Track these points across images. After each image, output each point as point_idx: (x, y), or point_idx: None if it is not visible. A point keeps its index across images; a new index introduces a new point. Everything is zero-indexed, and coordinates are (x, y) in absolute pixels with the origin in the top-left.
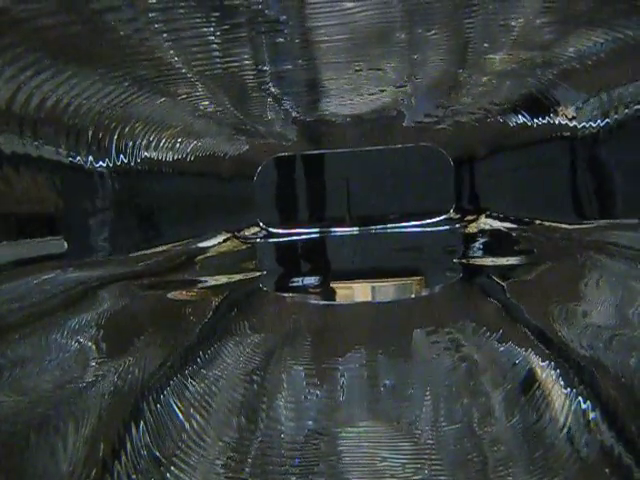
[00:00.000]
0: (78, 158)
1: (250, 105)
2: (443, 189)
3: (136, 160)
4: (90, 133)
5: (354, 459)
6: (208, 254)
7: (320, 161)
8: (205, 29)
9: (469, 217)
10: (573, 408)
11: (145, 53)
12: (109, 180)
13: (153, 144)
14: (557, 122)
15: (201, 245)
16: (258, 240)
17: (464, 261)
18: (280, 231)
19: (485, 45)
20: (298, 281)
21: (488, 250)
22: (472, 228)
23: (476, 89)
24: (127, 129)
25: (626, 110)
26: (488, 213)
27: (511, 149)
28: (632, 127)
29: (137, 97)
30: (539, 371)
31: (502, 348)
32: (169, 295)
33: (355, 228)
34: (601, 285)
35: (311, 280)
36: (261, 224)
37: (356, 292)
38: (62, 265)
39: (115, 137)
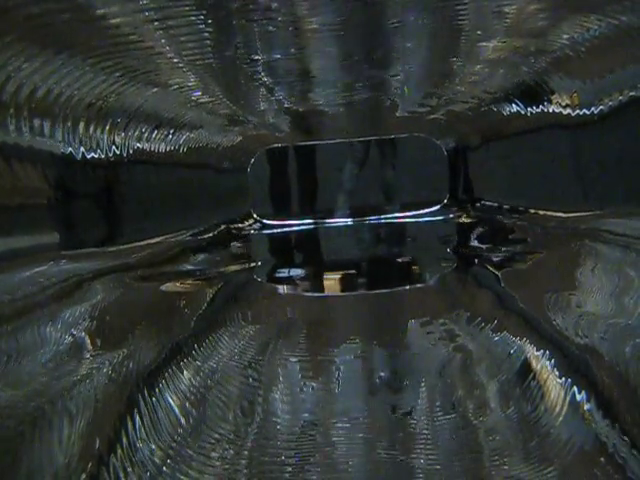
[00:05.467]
0: (70, 149)
1: (242, 95)
2: (437, 179)
3: (128, 151)
4: (82, 124)
5: (350, 450)
6: (202, 245)
7: (313, 152)
8: (196, 18)
9: (463, 206)
10: (568, 397)
11: (136, 42)
12: (101, 171)
13: (145, 135)
14: (551, 110)
15: (194, 237)
16: (252, 231)
17: (458, 250)
18: (274, 222)
19: (478, 33)
20: (292, 272)
21: (482, 239)
22: (466, 217)
23: (469, 78)
24: (119, 120)
25: (620, 97)
26: (482, 202)
27: (505, 138)
28: (626, 114)
29: (129, 87)
30: (534, 360)
31: (497, 338)
32: (163, 287)
33: (349, 219)
34: (596, 273)
35: (305, 271)
36: (255, 215)
37: (350, 283)
38: (55, 257)
39: (107, 128)
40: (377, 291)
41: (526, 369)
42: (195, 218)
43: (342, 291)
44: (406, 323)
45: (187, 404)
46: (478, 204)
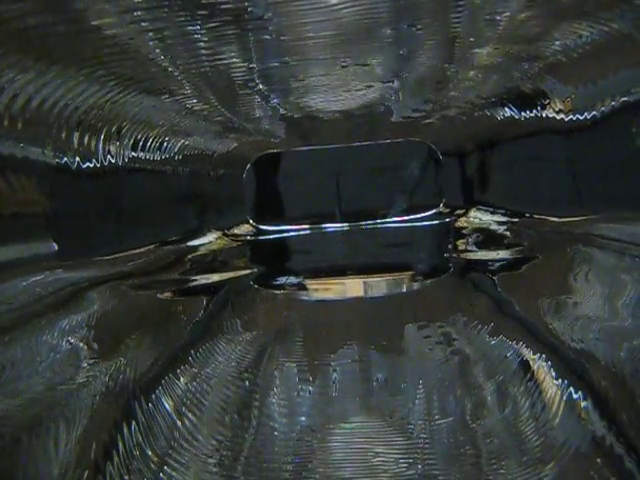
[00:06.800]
0: (65, 159)
1: (237, 103)
2: (432, 184)
3: (124, 160)
4: (76, 133)
5: (347, 455)
6: (198, 253)
7: (309, 158)
8: (191, 27)
9: (458, 211)
10: (564, 399)
11: (130, 52)
12: (97, 180)
13: (140, 144)
14: (544, 115)
15: (191, 244)
16: (248, 238)
17: (454, 255)
18: (270, 228)
19: (471, 39)
20: (289, 278)
21: (478, 244)
22: (462, 222)
23: (463, 83)
24: (114, 129)
25: (613, 102)
26: (477, 207)
27: (500, 143)
28: (619, 119)
29: (123, 96)
30: (530, 363)
31: (493, 341)
32: (159, 295)
33: (345, 224)
34: (590, 277)
35: (302, 276)
36: (251, 221)
37: (347, 288)
38: (51, 266)
39: (102, 137)
40: (374, 296)
41: (522, 372)
42: (191, 225)
43: (338, 296)
44: (403, 327)
45: (184, 409)
46: (473, 209)
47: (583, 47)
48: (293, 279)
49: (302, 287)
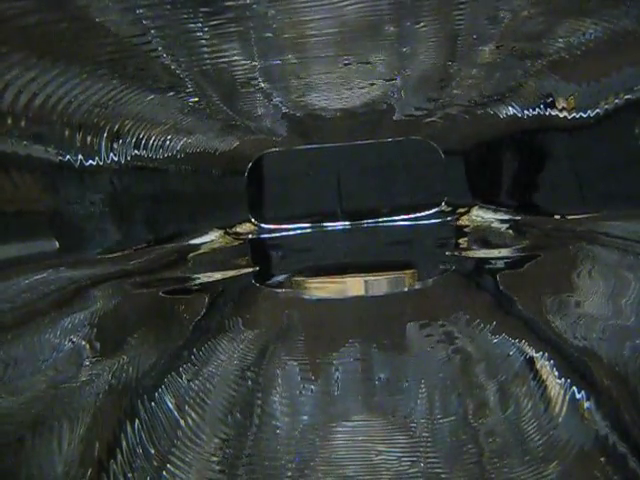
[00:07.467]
0: (68, 157)
1: (240, 101)
2: (434, 182)
3: (126, 158)
4: (79, 131)
5: (349, 454)
6: (200, 251)
7: (311, 156)
8: (193, 25)
9: (461, 210)
10: (567, 398)
11: (133, 50)
12: (99, 178)
13: (143, 142)
14: (547, 113)
15: (193, 242)
16: (250, 236)
17: (456, 253)
18: (272, 227)
19: (474, 37)
20: (291, 276)
21: (480, 242)
22: (464, 220)
23: (466, 81)
24: (116, 127)
25: (616, 100)
26: (480, 205)
27: (502, 141)
28: (622, 116)
29: (125, 94)
30: (533, 362)
31: (496, 340)
32: (161, 293)
33: (347, 222)
34: (593, 275)
35: (304, 275)
36: (253, 220)
37: (349, 286)
38: (54, 264)
39: (104, 135)
40: (375, 294)
41: (525, 371)
42: (193, 223)
43: (340, 294)
44: (405, 325)
45: (186, 408)
46: (476, 207)
47: (586, 44)
48: (294, 277)
49: (304, 285)
